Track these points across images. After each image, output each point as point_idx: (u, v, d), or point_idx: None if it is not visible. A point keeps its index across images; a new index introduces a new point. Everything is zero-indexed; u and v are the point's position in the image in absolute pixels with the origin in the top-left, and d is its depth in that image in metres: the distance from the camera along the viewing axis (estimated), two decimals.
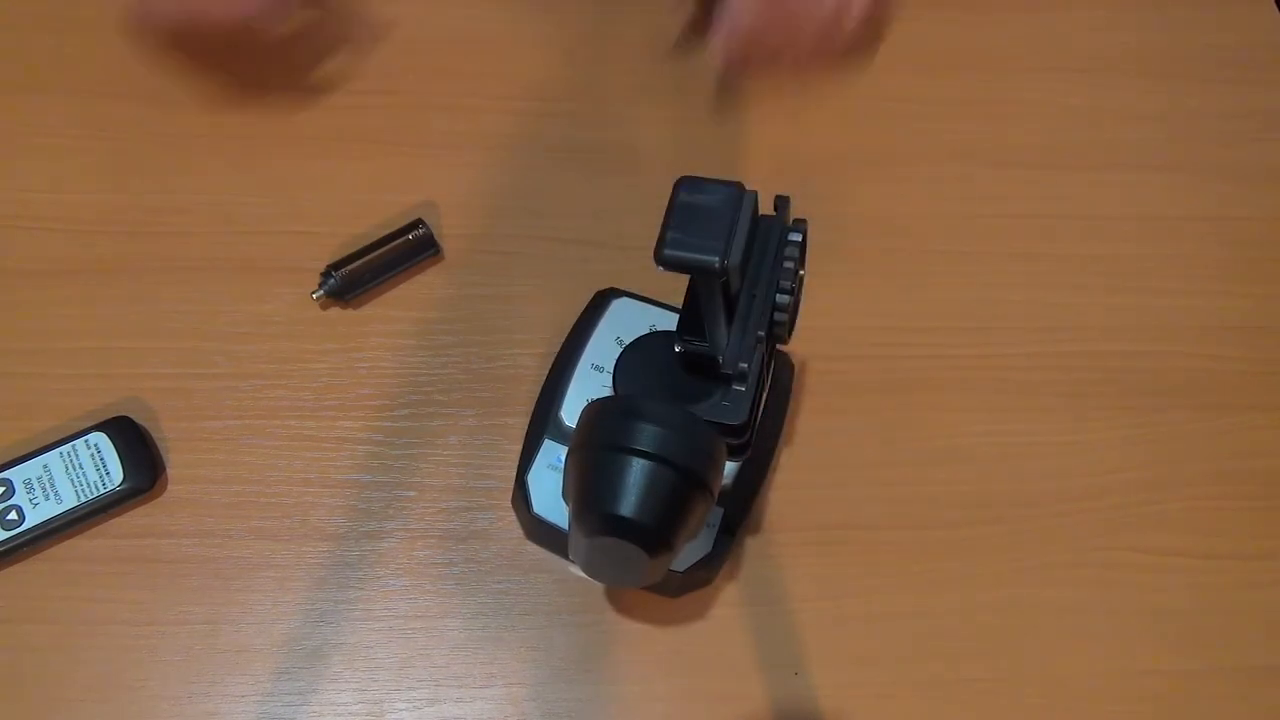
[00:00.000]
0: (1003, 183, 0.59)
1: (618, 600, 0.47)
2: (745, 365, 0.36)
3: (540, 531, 0.46)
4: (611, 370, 0.45)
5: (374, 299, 0.52)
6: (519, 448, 0.47)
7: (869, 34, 0.47)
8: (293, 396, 0.50)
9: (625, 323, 0.47)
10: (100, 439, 0.47)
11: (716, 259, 0.34)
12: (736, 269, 0.35)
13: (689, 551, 0.44)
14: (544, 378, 0.49)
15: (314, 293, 0.51)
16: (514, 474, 0.47)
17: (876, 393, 0.52)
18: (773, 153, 0.58)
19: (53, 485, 0.46)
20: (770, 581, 0.48)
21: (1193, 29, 0.65)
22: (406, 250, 0.52)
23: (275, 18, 0.48)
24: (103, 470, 0.46)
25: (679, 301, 0.39)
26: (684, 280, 0.37)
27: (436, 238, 0.53)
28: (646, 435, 0.34)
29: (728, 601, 0.47)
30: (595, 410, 0.35)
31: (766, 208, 0.39)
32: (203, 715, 0.44)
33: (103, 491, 0.46)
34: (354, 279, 0.51)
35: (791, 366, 0.51)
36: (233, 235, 0.53)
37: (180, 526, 0.47)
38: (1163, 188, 0.60)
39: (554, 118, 0.58)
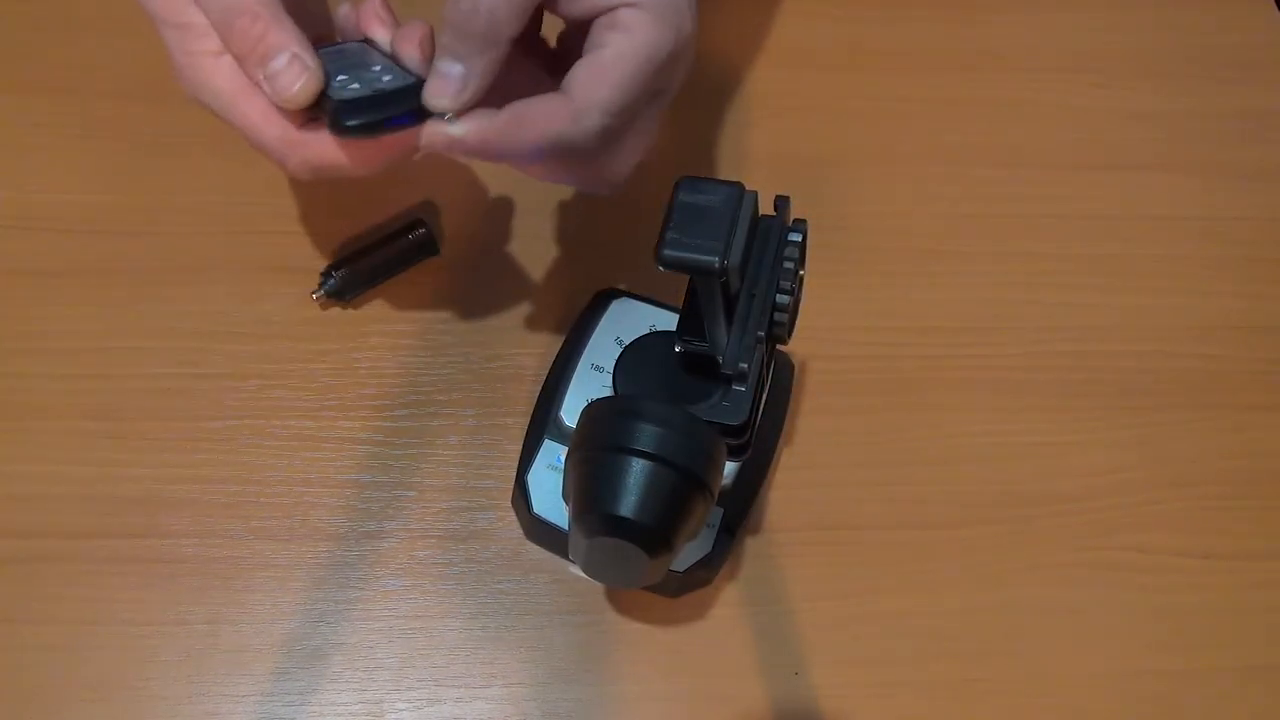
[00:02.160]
0: (1003, 183, 0.59)
1: (617, 600, 0.47)
2: (745, 365, 0.36)
3: (540, 531, 0.46)
4: (611, 370, 0.45)
5: (374, 299, 0.52)
6: (519, 448, 0.47)
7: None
8: (293, 396, 0.50)
9: (625, 323, 0.47)
10: None
11: (716, 259, 0.34)
12: (736, 269, 0.35)
13: (689, 551, 0.44)
14: (544, 378, 0.49)
15: (314, 293, 0.51)
16: (514, 474, 0.47)
17: (876, 393, 0.52)
18: (773, 153, 0.58)
19: None
20: (770, 581, 0.48)
21: (1193, 29, 0.65)
22: (406, 250, 0.52)
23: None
24: None
25: (679, 301, 0.39)
26: (684, 280, 0.37)
27: (436, 238, 0.53)
28: (646, 435, 0.34)
29: (728, 601, 0.47)
30: (595, 410, 0.35)
31: (766, 208, 0.39)
32: (203, 715, 0.44)
33: None
34: (354, 279, 0.51)
35: (791, 366, 0.51)
36: (232, 235, 0.53)
37: (179, 526, 0.47)
38: (1162, 188, 0.60)
39: None
